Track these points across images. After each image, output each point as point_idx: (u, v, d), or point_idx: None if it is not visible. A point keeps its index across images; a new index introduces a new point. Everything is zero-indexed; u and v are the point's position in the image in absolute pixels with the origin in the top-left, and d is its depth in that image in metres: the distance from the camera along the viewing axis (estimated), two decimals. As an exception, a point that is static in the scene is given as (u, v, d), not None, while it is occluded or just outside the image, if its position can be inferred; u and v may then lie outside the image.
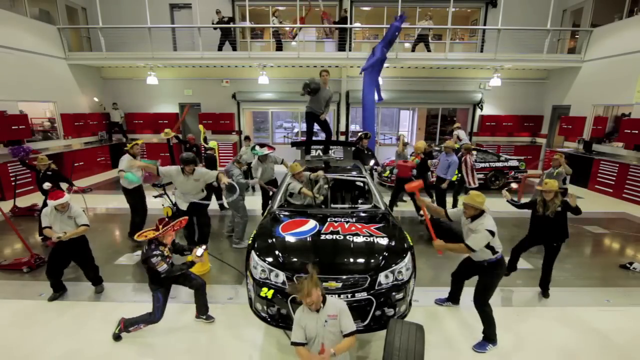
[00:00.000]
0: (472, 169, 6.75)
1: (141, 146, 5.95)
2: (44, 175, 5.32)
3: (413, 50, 11.11)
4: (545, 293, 4.19)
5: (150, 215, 5.89)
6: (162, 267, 3.06)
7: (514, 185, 4.59)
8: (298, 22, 10.36)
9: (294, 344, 2.48)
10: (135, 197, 5.56)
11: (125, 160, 5.30)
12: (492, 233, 3.01)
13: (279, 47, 11.07)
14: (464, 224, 3.26)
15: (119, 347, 3.26)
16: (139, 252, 5.26)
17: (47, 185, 5.18)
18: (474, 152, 7.43)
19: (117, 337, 3.33)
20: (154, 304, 3.25)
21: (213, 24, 10.61)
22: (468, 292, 3.74)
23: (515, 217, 6.46)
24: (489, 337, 3.25)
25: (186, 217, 3.52)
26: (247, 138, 8.98)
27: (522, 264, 4.44)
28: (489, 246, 3.10)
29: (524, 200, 4.71)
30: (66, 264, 4.03)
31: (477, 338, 3.33)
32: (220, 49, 10.94)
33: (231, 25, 10.93)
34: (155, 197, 6.17)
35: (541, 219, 3.97)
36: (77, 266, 4.11)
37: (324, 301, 2.45)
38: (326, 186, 4.94)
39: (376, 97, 9.24)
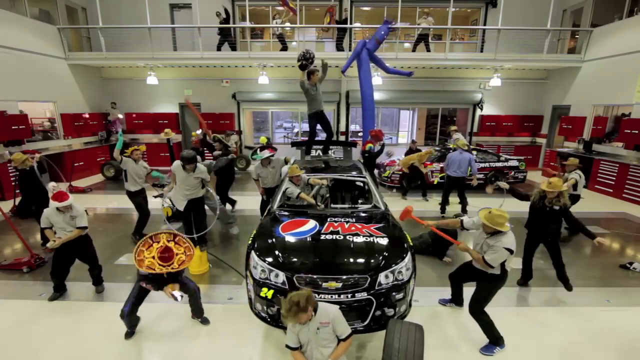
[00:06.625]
0: None
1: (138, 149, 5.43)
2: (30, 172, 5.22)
3: (414, 50, 11.09)
4: (567, 286, 4.13)
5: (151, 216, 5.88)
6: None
7: (502, 184, 4.60)
8: (297, 18, 10.30)
9: (287, 347, 2.54)
10: (139, 198, 5.53)
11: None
12: (510, 252, 2.95)
13: (284, 48, 11.00)
14: (481, 236, 3.17)
15: (118, 347, 3.25)
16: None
17: (53, 185, 5.14)
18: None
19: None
20: (130, 292, 3.27)
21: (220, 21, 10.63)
22: (469, 293, 3.73)
23: (513, 217, 6.37)
24: (494, 341, 3.22)
25: (177, 284, 3.23)
26: (231, 133, 8.91)
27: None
28: (502, 262, 3.04)
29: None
30: (71, 262, 4.01)
31: (477, 339, 3.33)
32: (219, 49, 10.94)
33: (231, 25, 10.91)
34: (155, 197, 6.19)
35: (538, 212, 3.97)
36: (77, 266, 4.10)
37: (315, 309, 2.44)
38: (325, 190, 4.91)
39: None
